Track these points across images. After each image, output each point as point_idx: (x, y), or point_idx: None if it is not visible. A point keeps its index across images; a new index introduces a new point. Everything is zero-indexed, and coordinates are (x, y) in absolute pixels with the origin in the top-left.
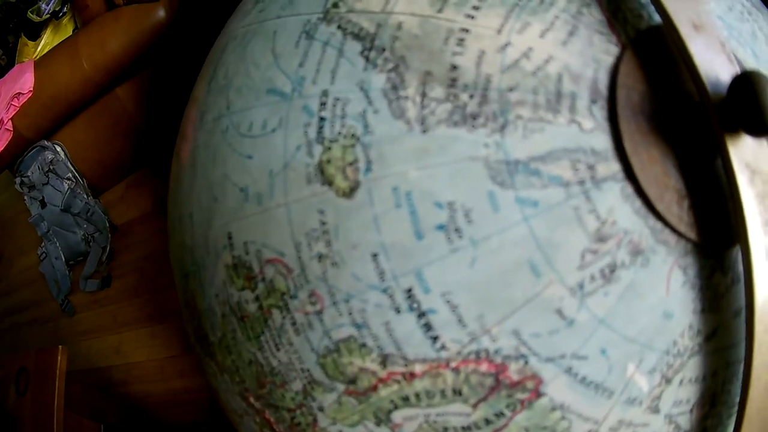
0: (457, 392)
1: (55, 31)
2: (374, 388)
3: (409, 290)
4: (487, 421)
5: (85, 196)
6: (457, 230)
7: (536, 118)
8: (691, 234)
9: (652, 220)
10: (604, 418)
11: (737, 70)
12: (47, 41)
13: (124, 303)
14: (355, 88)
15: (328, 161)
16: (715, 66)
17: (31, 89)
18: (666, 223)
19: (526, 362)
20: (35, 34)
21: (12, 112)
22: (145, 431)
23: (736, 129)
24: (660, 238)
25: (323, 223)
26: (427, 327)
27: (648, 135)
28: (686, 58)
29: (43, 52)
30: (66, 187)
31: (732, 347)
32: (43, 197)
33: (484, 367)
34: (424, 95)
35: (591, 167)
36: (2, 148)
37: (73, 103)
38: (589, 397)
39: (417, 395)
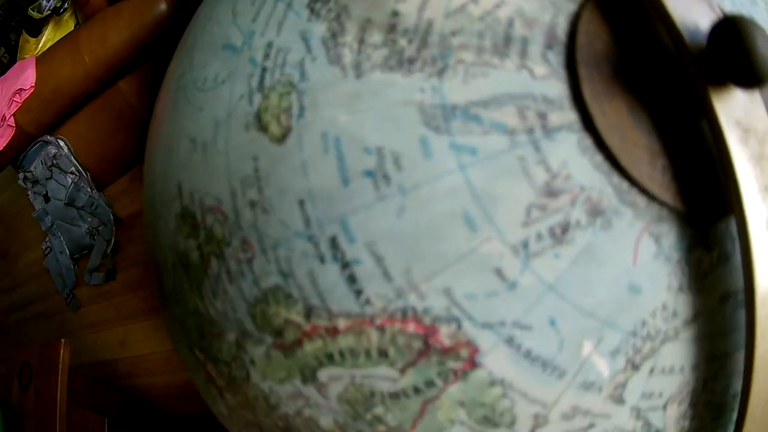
0: (383, 353)
1: (57, 27)
2: (299, 343)
3: (334, 239)
4: (417, 390)
5: (89, 190)
6: (386, 177)
7: (480, 62)
8: (666, 197)
9: (616, 178)
10: (555, 401)
11: (719, 15)
12: (49, 37)
13: (128, 295)
14: (297, 38)
15: (266, 109)
16: (693, 14)
17: (33, 85)
18: (634, 183)
19: (459, 326)
20: (36, 31)
21: (14, 108)
22: (149, 423)
23: (722, 81)
24: (626, 199)
25: (256, 170)
26: (351, 279)
27: (613, 85)
28: (657, 5)
29: (45, 49)
30: (70, 181)
31: (717, 337)
32: (46, 192)
33: (411, 327)
34: (361, 42)
35: (542, 115)
36: (4, 145)
37: (76, 98)
38: (535, 374)
39: (341, 353)
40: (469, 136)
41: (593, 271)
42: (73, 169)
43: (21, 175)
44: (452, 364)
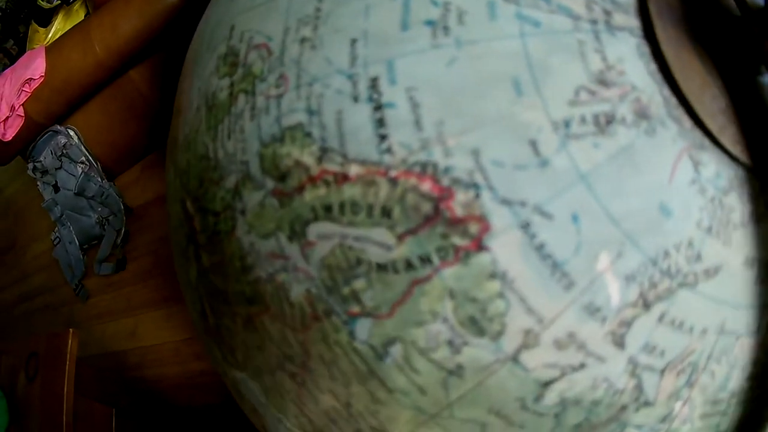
0: (387, 213)
1: (67, 17)
2: (301, 189)
3: (375, 79)
4: (409, 265)
5: (99, 180)
6: (446, 28)
7: None
8: (711, 125)
9: (667, 90)
10: (553, 319)
11: None
12: (58, 27)
13: (139, 285)
14: None
15: None
16: None
17: (43, 74)
18: (682, 99)
19: (477, 195)
20: (46, 21)
21: (23, 98)
22: (158, 415)
23: None
24: (673, 113)
25: (318, 10)
26: (380, 123)
27: (677, 11)
28: None
29: (55, 39)
30: (79, 170)
31: (732, 307)
32: (56, 182)
33: (426, 185)
34: None
35: (607, 12)
36: (14, 135)
37: (86, 87)
38: (542, 276)
39: (341, 206)
40: (535, 11)
41: (629, 175)
42: (83, 158)
43: (30, 165)
44: (456, 240)
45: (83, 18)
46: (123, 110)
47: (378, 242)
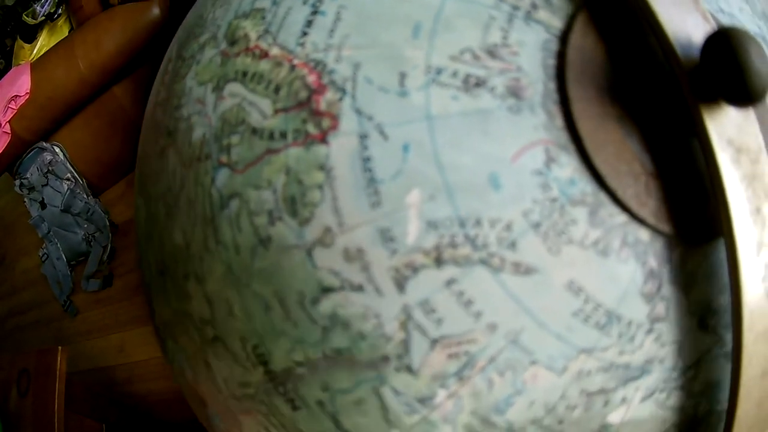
0: (277, 90)
1: (51, 32)
2: (237, 54)
3: None
4: (271, 135)
5: (85, 196)
6: None
7: None
8: (585, 132)
9: (553, 85)
10: (351, 227)
11: (714, 28)
12: (43, 43)
13: (125, 302)
14: None
15: None
16: (687, 26)
17: (28, 91)
18: (566, 100)
19: (341, 98)
20: (31, 37)
21: (9, 115)
22: (147, 430)
23: (714, 98)
24: (550, 107)
25: None
26: (309, 23)
27: (602, 44)
28: (649, 16)
29: (40, 54)
30: (65, 187)
31: (536, 325)
32: (42, 198)
33: (312, 78)
34: None
35: (534, 5)
36: (0, 152)
37: (71, 104)
38: (357, 185)
39: (253, 75)
40: None
41: (473, 135)
42: (68, 175)
43: (17, 182)
44: (310, 128)
45: (67, 34)
46: (107, 126)
47: (261, 110)
